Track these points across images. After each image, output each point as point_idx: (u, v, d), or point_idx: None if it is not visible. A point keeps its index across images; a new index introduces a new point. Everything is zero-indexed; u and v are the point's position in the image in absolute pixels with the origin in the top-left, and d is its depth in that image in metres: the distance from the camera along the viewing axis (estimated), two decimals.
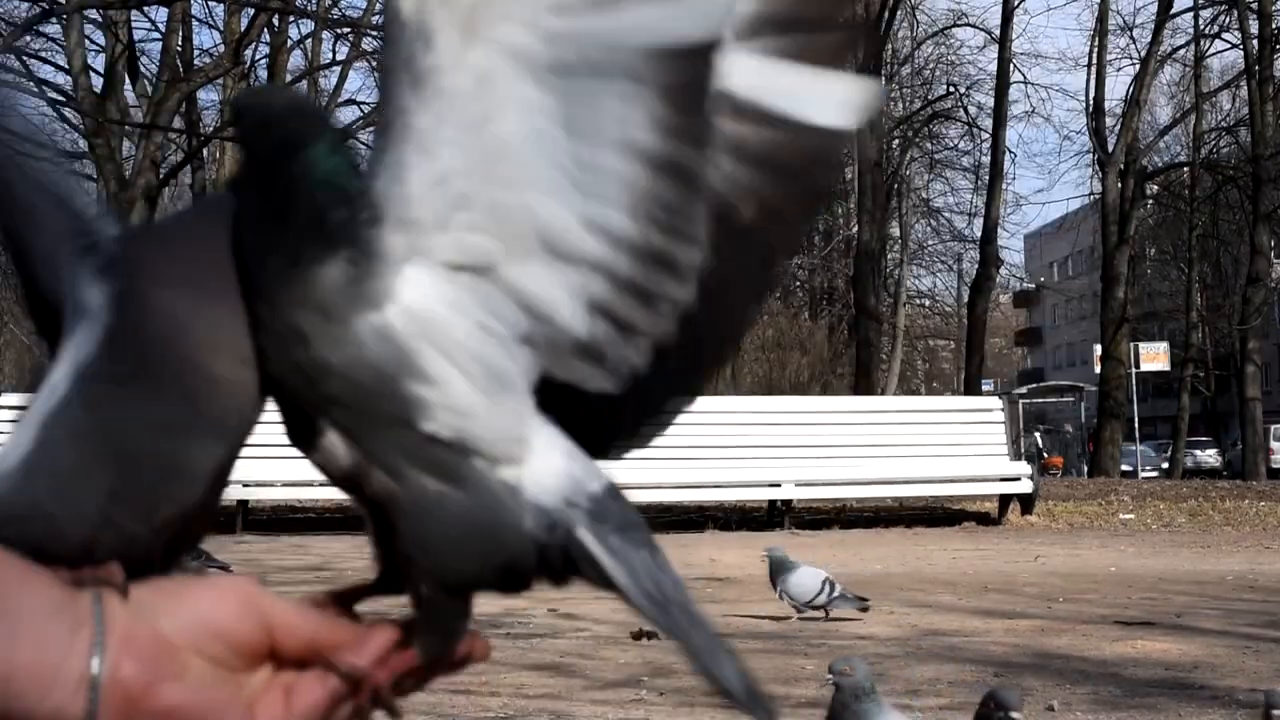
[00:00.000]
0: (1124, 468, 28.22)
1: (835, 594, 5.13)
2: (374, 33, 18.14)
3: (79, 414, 0.57)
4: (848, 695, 2.42)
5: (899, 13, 24.51)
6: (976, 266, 24.86)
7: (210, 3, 19.70)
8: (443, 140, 0.57)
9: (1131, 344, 27.33)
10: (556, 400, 0.60)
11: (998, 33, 24.65)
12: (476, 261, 0.57)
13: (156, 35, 18.90)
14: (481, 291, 0.58)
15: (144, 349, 0.57)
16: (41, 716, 0.53)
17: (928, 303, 37.75)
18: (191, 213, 0.63)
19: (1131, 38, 26.54)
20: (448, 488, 0.58)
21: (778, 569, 5.22)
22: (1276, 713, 2.73)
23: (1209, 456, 38.00)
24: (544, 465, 0.59)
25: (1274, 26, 24.79)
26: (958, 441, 11.66)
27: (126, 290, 0.58)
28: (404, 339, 0.57)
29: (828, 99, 0.66)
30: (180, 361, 0.57)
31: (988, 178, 24.97)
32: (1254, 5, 24.88)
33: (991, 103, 25.21)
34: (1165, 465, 31.16)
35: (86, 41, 16.72)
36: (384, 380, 0.57)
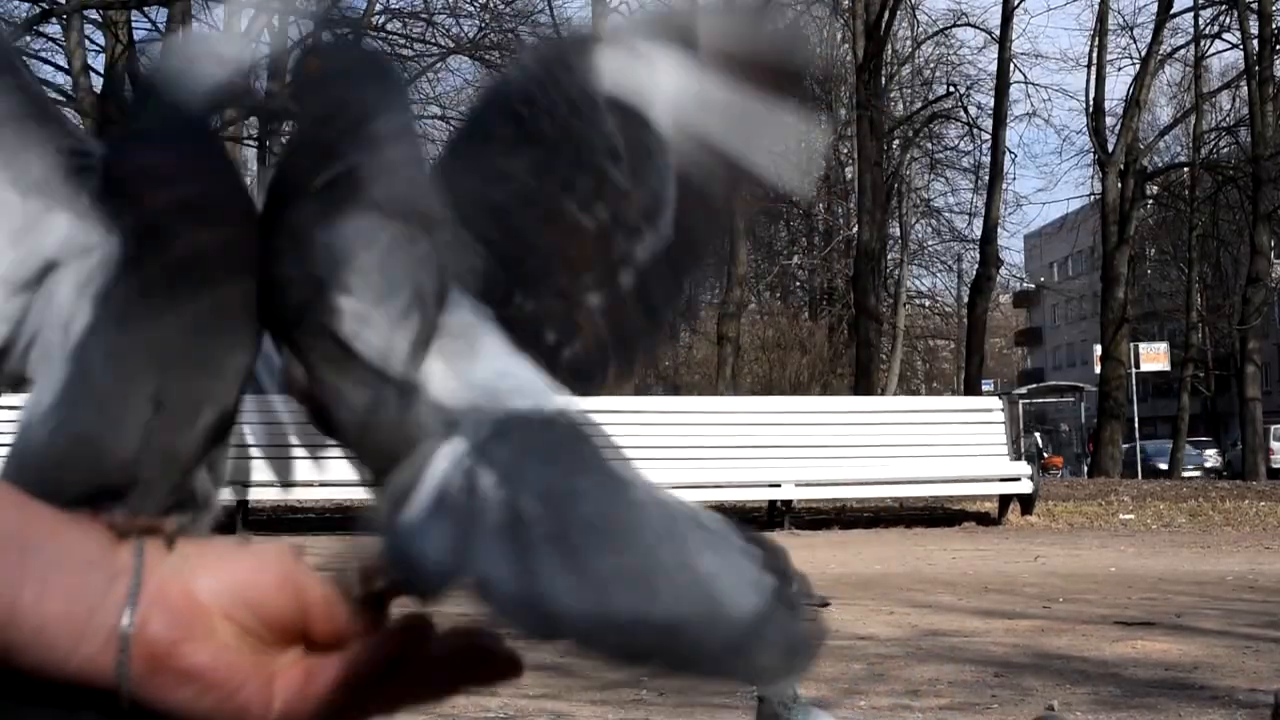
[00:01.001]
0: (1160, 466, 28.29)
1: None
2: (374, 32, 18.17)
3: (112, 334, 0.58)
4: (775, 704, 2.45)
5: (899, 13, 24.50)
6: (976, 266, 24.86)
7: (210, 3, 19.70)
8: None
9: (1131, 344, 27.33)
10: None
11: (998, 33, 24.67)
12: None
13: (156, 35, 18.91)
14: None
15: (162, 266, 0.58)
16: (72, 668, 0.53)
17: (928, 303, 37.74)
18: (182, 134, 0.63)
19: (1131, 38, 26.57)
20: (351, 386, 0.58)
21: None
22: None
23: (1209, 456, 38.04)
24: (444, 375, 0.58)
25: (1274, 26, 24.79)
26: (958, 441, 11.66)
27: (133, 211, 0.59)
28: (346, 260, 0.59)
29: (770, 149, 0.68)
30: (200, 273, 0.58)
31: (988, 178, 24.97)
32: (1254, 5, 24.88)
33: (991, 103, 25.22)
34: (1209, 464, 31.30)
35: (86, 41, 16.72)
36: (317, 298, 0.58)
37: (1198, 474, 29.08)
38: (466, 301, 0.60)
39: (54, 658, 0.53)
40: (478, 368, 0.59)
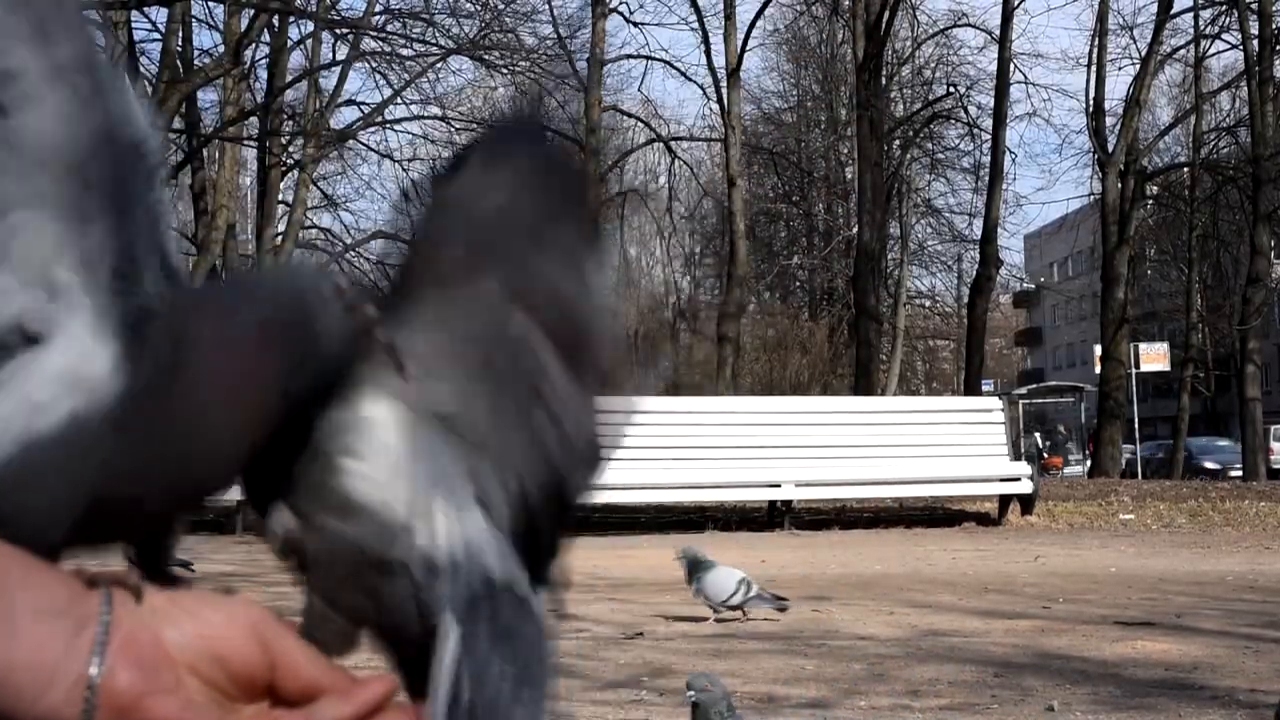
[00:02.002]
0: (1208, 465, 28.16)
1: (751, 594, 5.09)
2: (374, 33, 18.17)
3: (123, 410, 0.60)
4: (709, 711, 2.49)
5: (899, 13, 24.49)
6: (976, 266, 24.85)
7: (210, 3, 19.70)
8: None
9: (1131, 344, 27.31)
10: None
11: (998, 33, 24.63)
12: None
13: (156, 35, 18.89)
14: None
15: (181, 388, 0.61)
16: (37, 715, 0.53)
17: (928, 303, 37.74)
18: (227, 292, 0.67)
19: (1131, 38, 26.53)
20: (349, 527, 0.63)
21: (694, 569, 5.20)
22: None
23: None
24: (443, 525, 0.65)
25: (1274, 27, 24.77)
26: (958, 442, 11.66)
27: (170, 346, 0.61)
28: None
29: None
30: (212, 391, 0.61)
31: (988, 178, 24.95)
32: (1254, 5, 24.86)
33: (991, 103, 25.20)
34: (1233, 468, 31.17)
35: None
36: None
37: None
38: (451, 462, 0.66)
39: (19, 704, 0.53)
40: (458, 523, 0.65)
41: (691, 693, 2.52)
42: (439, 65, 19.22)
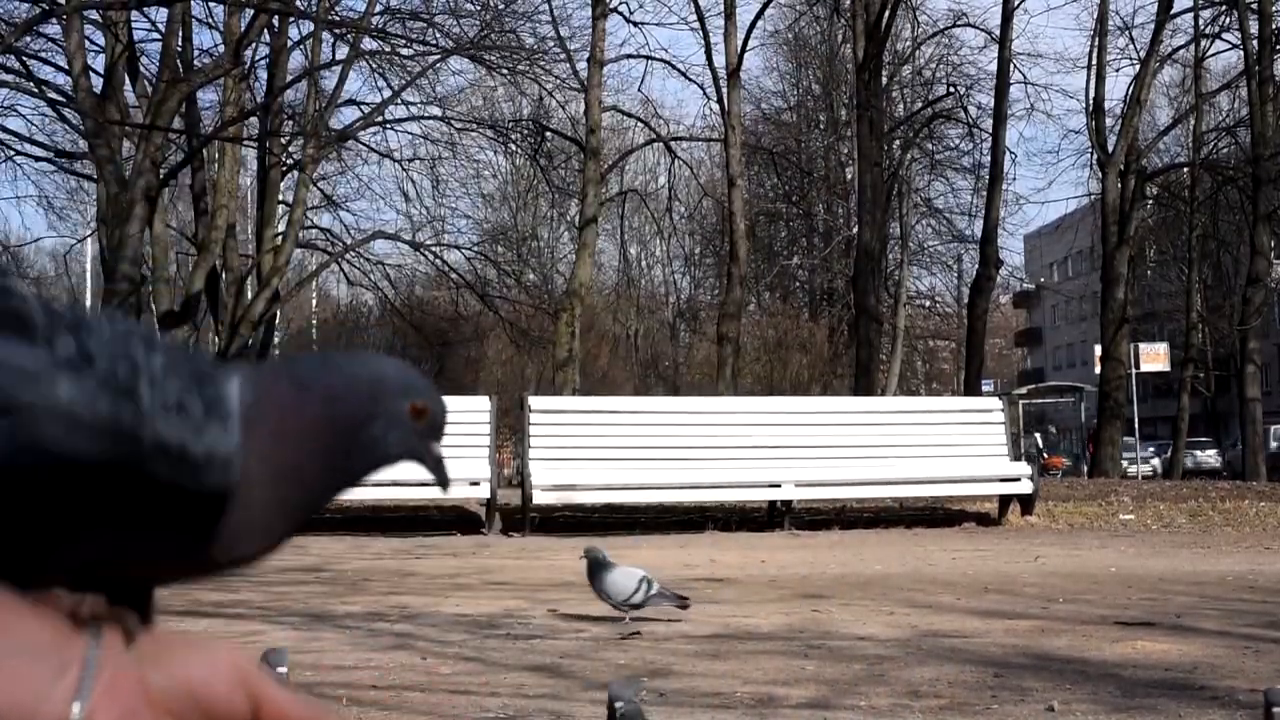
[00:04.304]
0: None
1: (652, 592, 5.09)
2: (374, 33, 18.16)
3: None
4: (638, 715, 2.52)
5: (899, 13, 24.49)
6: (976, 266, 24.85)
7: (210, 3, 19.70)
8: None
9: (1131, 344, 27.34)
10: None
11: (998, 33, 24.64)
12: None
13: (156, 35, 18.88)
14: None
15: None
16: None
17: (928, 303, 37.75)
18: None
19: (1131, 38, 26.54)
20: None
21: (595, 569, 5.20)
22: (1277, 710, 2.73)
23: (1209, 456, 38.04)
24: None
25: (1274, 27, 24.78)
26: (958, 442, 11.66)
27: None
28: None
29: None
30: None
31: (988, 178, 24.96)
32: (1254, 5, 24.87)
33: (991, 103, 25.21)
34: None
35: (86, 42, 16.71)
36: None
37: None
38: None
39: None
40: None
41: (620, 703, 2.53)
42: (439, 65, 19.24)
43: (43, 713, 0.53)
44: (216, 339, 20.01)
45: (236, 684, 0.57)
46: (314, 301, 35.56)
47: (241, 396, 0.61)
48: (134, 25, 18.12)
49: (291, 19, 18.82)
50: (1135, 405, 29.77)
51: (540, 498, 10.56)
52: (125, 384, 0.57)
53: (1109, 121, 25.22)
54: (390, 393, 0.63)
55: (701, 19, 23.58)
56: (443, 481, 0.66)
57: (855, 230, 26.05)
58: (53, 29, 17.14)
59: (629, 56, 25.77)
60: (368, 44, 19.01)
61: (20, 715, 0.53)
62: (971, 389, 23.18)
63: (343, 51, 19.83)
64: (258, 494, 0.60)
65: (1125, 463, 26.03)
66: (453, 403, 12.17)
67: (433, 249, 22.78)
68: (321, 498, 0.63)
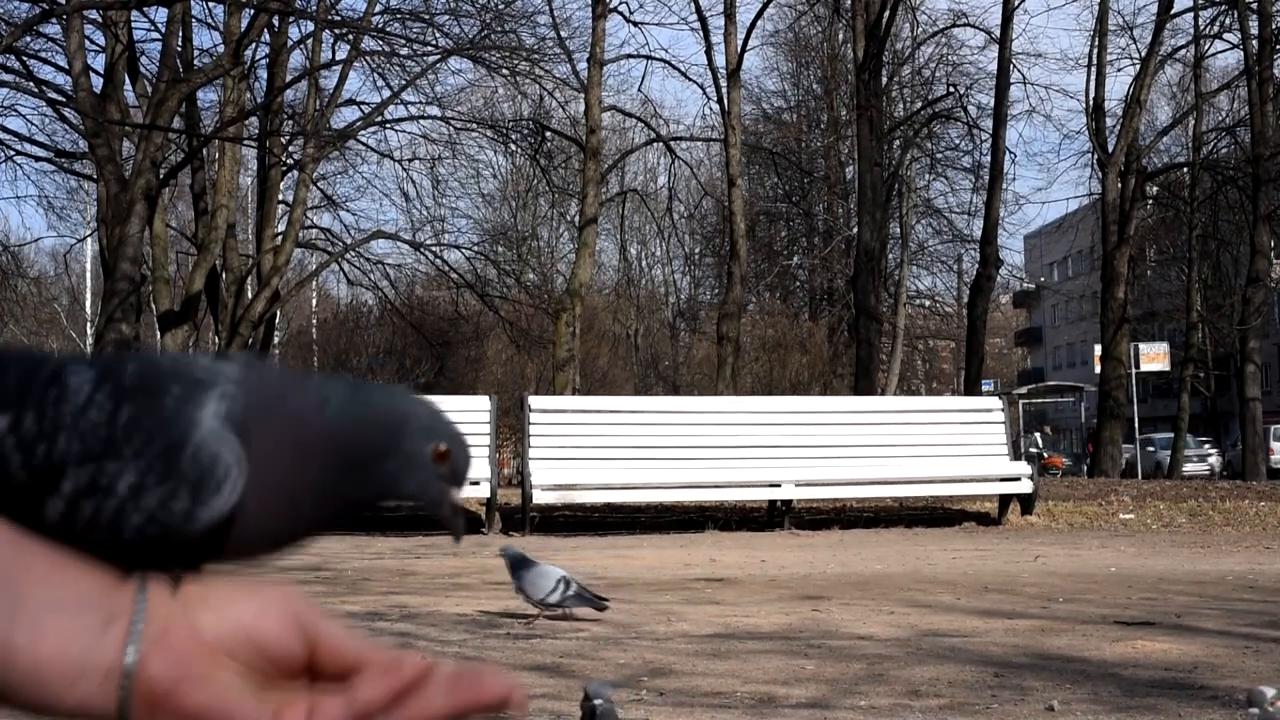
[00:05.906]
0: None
1: (570, 592, 5.08)
2: (374, 33, 18.17)
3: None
4: (609, 707, 2.53)
5: (899, 13, 24.50)
6: (976, 266, 24.86)
7: (210, 3, 19.72)
8: None
9: (1131, 344, 27.32)
10: None
11: (998, 33, 24.64)
12: None
13: (156, 35, 18.91)
14: None
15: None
16: (68, 707, 0.53)
17: (928, 303, 37.77)
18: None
19: (1131, 38, 26.54)
20: None
21: (515, 567, 5.19)
22: (1255, 711, 2.74)
23: (1207, 453, 38.04)
24: None
25: (1274, 27, 24.77)
26: (958, 441, 11.66)
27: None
28: None
29: None
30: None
31: (988, 178, 24.96)
32: (1254, 5, 24.87)
33: (991, 103, 25.21)
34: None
35: (86, 42, 16.71)
36: None
37: None
38: None
39: (49, 696, 0.53)
40: None
41: (599, 701, 2.54)
42: (439, 65, 19.24)
43: (91, 662, 0.53)
44: (216, 339, 20.02)
45: (291, 623, 0.57)
46: (314, 301, 35.54)
47: (229, 414, 0.59)
48: (134, 25, 18.14)
49: (291, 19, 18.84)
50: (1135, 405, 29.76)
51: (540, 497, 10.57)
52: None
53: (1109, 121, 25.23)
54: (414, 432, 0.62)
55: (702, 19, 23.61)
56: (456, 532, 0.65)
57: (855, 230, 26.04)
58: (53, 29, 17.16)
59: (629, 56, 25.80)
60: (368, 44, 19.03)
61: (68, 665, 0.53)
62: (971, 389, 23.18)
63: (343, 51, 19.87)
64: (245, 508, 0.59)
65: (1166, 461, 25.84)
66: (453, 402, 12.11)
67: (433, 249, 22.80)
68: (314, 523, 0.62)
